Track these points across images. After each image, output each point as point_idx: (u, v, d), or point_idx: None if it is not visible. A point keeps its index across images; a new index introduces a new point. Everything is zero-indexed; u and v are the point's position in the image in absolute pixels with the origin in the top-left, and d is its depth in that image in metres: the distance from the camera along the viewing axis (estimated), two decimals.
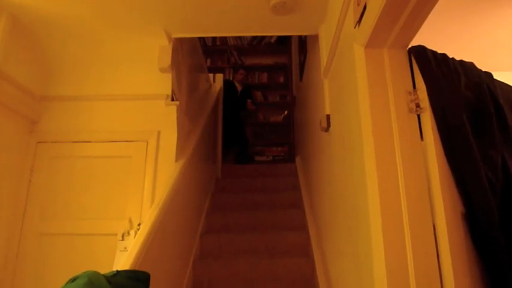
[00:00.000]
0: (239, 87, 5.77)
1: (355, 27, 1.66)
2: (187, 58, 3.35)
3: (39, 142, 2.83)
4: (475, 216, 1.41)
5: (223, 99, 5.51)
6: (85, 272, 1.21)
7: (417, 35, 1.53)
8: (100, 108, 2.90)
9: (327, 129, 2.40)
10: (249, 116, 6.27)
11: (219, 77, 5.49)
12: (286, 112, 6.22)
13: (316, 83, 2.91)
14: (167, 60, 2.71)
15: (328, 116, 2.34)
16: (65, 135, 2.85)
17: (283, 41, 6.30)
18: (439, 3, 1.33)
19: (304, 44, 3.77)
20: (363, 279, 1.63)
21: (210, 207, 3.93)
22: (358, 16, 1.58)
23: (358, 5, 1.59)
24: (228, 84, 5.67)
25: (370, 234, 1.46)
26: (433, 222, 1.39)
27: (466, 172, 1.43)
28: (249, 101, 5.86)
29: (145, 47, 2.81)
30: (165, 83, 2.86)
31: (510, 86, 1.88)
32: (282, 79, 6.35)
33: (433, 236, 1.37)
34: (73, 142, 2.83)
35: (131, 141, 2.82)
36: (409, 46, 1.57)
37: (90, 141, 2.83)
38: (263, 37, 6.36)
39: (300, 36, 4.30)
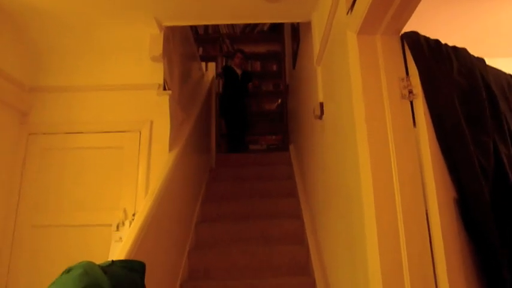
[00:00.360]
0: (239, 72, 5.51)
1: (347, 14, 1.65)
2: (179, 47, 3.32)
3: (30, 134, 2.81)
4: (467, 202, 1.42)
5: (225, 86, 5.51)
6: (80, 263, 1.21)
7: (409, 21, 1.52)
8: (92, 99, 2.88)
9: (320, 117, 2.40)
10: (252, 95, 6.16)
11: (212, 65, 5.46)
12: (279, 100, 6.20)
13: (309, 71, 2.90)
14: (158, 49, 2.69)
15: (321, 104, 2.34)
16: (57, 127, 2.83)
17: (276, 29, 6.26)
18: None
19: (297, 32, 3.74)
20: (357, 264, 1.65)
21: (205, 196, 3.94)
22: (351, 3, 1.57)
23: None
24: (227, 70, 5.53)
25: (364, 220, 1.47)
26: (425, 208, 1.40)
27: (458, 158, 1.44)
28: (250, 84, 5.67)
29: (136, 36, 2.79)
30: (156, 72, 2.84)
31: (502, 72, 1.89)
32: (275, 67, 6.32)
33: (426, 221, 1.39)
34: (65, 133, 2.81)
35: (124, 132, 2.80)
36: (402, 32, 1.57)
37: (82, 132, 2.81)
38: (256, 25, 6.31)
39: (292, 24, 4.27)
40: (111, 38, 2.86)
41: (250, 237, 3.32)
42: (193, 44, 4.17)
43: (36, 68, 2.92)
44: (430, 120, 1.46)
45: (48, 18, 2.64)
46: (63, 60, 2.96)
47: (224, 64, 6.31)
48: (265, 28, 6.33)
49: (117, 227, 2.52)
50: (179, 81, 3.23)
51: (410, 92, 1.49)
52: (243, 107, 5.59)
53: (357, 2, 1.50)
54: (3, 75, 2.57)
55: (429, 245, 1.36)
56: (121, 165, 2.72)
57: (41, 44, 2.87)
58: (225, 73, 5.52)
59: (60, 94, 2.89)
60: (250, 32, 6.36)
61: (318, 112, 2.37)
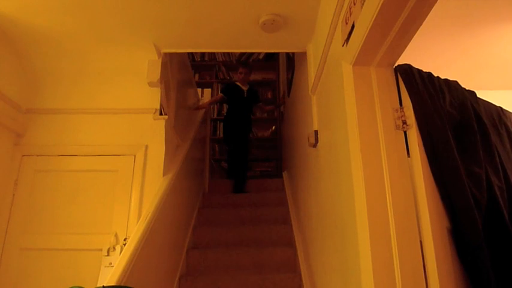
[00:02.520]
0: (244, 88, 4.72)
1: (343, 46, 1.69)
2: (176, 73, 3.36)
3: (24, 155, 2.79)
4: (460, 232, 1.43)
5: (228, 107, 4.82)
6: (71, 287, 1.18)
7: (403, 54, 1.57)
8: (87, 122, 2.88)
9: (314, 145, 2.42)
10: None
11: (208, 92, 5.53)
12: (273, 127, 6.24)
13: (304, 99, 2.94)
14: (156, 74, 2.72)
15: (316, 132, 2.36)
16: (51, 149, 2.81)
17: (271, 58, 6.37)
18: (424, 24, 1.37)
19: (291, 61, 3.82)
20: None
21: (197, 222, 3.89)
22: (347, 35, 1.62)
23: (347, 23, 1.63)
24: (230, 88, 4.74)
25: (358, 249, 1.46)
26: (420, 238, 1.40)
27: (452, 188, 1.46)
28: (260, 104, 5.01)
29: (134, 61, 2.82)
30: (153, 97, 2.87)
31: (493, 104, 1.94)
32: (269, 95, 6.39)
33: (420, 251, 1.38)
34: (59, 156, 2.80)
35: (118, 155, 2.80)
36: (396, 64, 1.61)
37: (76, 155, 2.80)
38: (251, 54, 6.42)
39: (287, 53, 4.36)
40: (109, 62, 2.89)
41: (242, 265, 3.27)
42: (190, 70, 4.23)
43: (33, 90, 2.93)
44: (423, 150, 1.48)
45: (47, 42, 2.67)
46: (59, 83, 2.98)
47: (219, 90, 6.36)
48: (261, 57, 6.44)
49: (108, 251, 2.47)
50: (175, 107, 3.25)
51: (404, 122, 1.52)
52: (247, 137, 4.83)
53: (352, 34, 1.54)
54: (1, 97, 2.57)
55: (423, 274, 1.35)
56: (114, 189, 2.70)
57: (38, 66, 2.89)
58: (228, 91, 4.70)
59: (55, 116, 2.90)
60: (246, 60, 6.45)
61: (312, 140, 2.38)
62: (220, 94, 4.78)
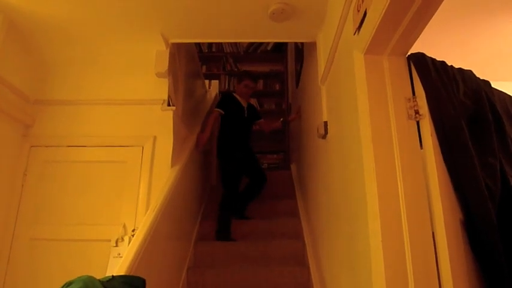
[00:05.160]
0: (244, 103, 3.92)
1: (354, 34, 1.67)
2: (184, 64, 3.36)
3: (32, 146, 2.80)
4: (473, 224, 1.41)
5: (224, 124, 3.84)
6: (80, 277, 1.19)
7: (415, 44, 1.54)
8: (95, 113, 2.89)
9: (324, 136, 2.40)
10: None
11: (215, 83, 5.51)
12: (281, 119, 6.22)
13: (313, 90, 2.92)
14: (164, 65, 2.71)
15: (325, 123, 2.34)
16: (60, 140, 2.83)
17: (279, 49, 6.33)
18: (437, 12, 1.35)
19: (300, 52, 3.79)
20: (361, 287, 1.62)
21: (205, 214, 3.90)
22: (358, 23, 1.59)
23: (358, 11, 1.60)
24: (228, 100, 3.88)
25: (369, 242, 1.45)
26: (432, 230, 1.39)
27: (465, 179, 1.44)
28: (261, 121, 4.18)
29: (142, 52, 2.82)
30: (161, 88, 2.86)
31: (508, 94, 1.90)
32: (277, 86, 6.36)
33: (433, 243, 1.37)
34: (67, 146, 2.81)
35: (127, 146, 2.80)
36: (408, 53, 1.59)
37: (85, 146, 2.81)
38: (259, 44, 6.38)
39: (296, 44, 4.33)
40: (117, 52, 2.89)
41: (250, 256, 3.27)
42: (197, 61, 4.22)
43: (42, 81, 2.94)
44: (436, 141, 1.46)
45: (56, 33, 2.67)
46: (68, 73, 2.98)
47: (227, 83, 6.34)
48: (269, 47, 6.40)
49: (116, 242, 2.49)
50: (183, 98, 3.25)
51: (417, 112, 1.50)
52: (253, 156, 4.01)
53: (364, 22, 1.52)
54: (8, 87, 2.58)
55: (436, 266, 1.34)
56: (123, 180, 2.71)
57: (47, 57, 2.90)
58: (225, 103, 3.83)
59: (64, 107, 2.91)
60: (253, 51, 6.43)
61: (322, 131, 2.37)
62: (216, 110, 3.78)
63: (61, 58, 2.92)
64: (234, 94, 3.95)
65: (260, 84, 6.36)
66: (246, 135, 3.93)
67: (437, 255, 1.36)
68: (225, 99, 3.92)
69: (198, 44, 6.14)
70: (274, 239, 3.48)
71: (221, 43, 6.41)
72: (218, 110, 3.77)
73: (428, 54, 1.61)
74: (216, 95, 5.32)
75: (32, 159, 2.77)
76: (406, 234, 1.36)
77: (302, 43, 3.61)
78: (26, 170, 2.75)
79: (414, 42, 1.50)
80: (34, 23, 2.57)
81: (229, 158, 3.70)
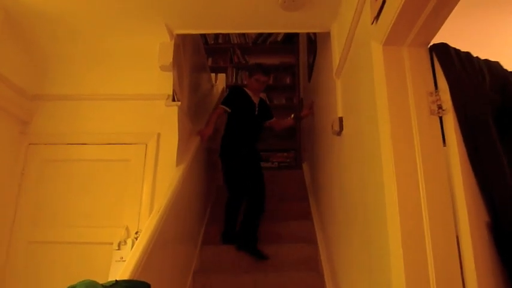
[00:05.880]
0: (255, 100, 3.78)
1: (372, 23, 1.66)
2: (190, 56, 3.36)
3: (30, 144, 2.83)
4: (501, 227, 1.40)
5: (230, 121, 3.70)
6: (83, 281, 1.21)
7: (438, 33, 1.53)
8: (97, 109, 2.91)
9: (339, 133, 2.40)
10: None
11: (222, 77, 5.52)
12: (292, 115, 6.21)
13: (327, 84, 2.91)
14: (168, 57, 2.72)
15: (340, 119, 2.34)
16: (59, 137, 2.85)
17: (291, 40, 6.32)
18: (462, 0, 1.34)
19: (313, 43, 3.77)
20: None
21: (211, 216, 3.92)
22: (376, 11, 1.58)
23: None
24: (238, 97, 3.73)
25: (388, 247, 1.44)
26: (456, 234, 1.38)
27: (492, 179, 1.43)
28: (273, 121, 4.01)
29: (145, 44, 2.83)
30: (165, 83, 2.87)
31: None
32: (288, 80, 6.35)
33: (457, 248, 1.36)
34: (67, 144, 2.84)
35: (129, 144, 2.82)
36: (431, 44, 1.58)
37: (85, 144, 2.84)
38: (269, 35, 6.38)
39: (308, 35, 4.31)
40: (119, 45, 2.91)
41: (259, 261, 3.28)
42: (203, 54, 4.23)
43: (40, 75, 2.97)
44: (460, 138, 1.45)
45: (54, 25, 2.69)
46: (68, 67, 3.01)
47: (235, 77, 6.34)
48: (279, 39, 6.39)
49: (119, 245, 2.51)
50: (189, 93, 3.26)
51: (440, 107, 1.49)
52: (258, 160, 3.69)
53: (383, 10, 1.51)
54: (4, 81, 2.60)
55: (460, 273, 1.33)
56: (125, 180, 2.73)
57: (46, 50, 2.93)
58: (233, 98, 3.71)
59: (63, 103, 2.93)
60: (262, 42, 6.43)
61: (336, 128, 2.36)
62: (221, 107, 3.69)
63: (61, 52, 2.94)
64: (245, 88, 3.80)
65: (269, 78, 6.36)
66: (254, 135, 3.75)
67: (462, 260, 1.35)
68: (234, 93, 3.79)
69: (203, 35, 6.15)
70: (285, 243, 3.48)
71: (228, 34, 6.42)
72: (223, 107, 3.66)
73: (452, 45, 1.59)
74: (223, 89, 5.33)
75: (30, 158, 2.80)
76: (428, 239, 1.35)
77: (315, 34, 3.60)
78: (24, 169, 2.78)
79: (437, 31, 1.49)
80: (32, 16, 2.59)
81: (233, 155, 3.57)
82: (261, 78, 3.72)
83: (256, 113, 3.75)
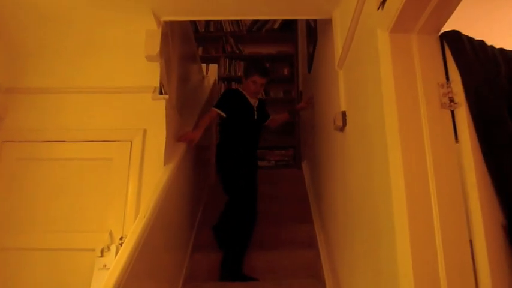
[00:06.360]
0: (253, 102, 3.68)
1: (378, 9, 1.65)
2: (178, 46, 3.35)
3: (4, 141, 2.81)
4: None
5: (225, 127, 3.65)
6: None
7: (450, 19, 1.52)
8: (77, 103, 2.89)
9: (342, 129, 2.40)
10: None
11: (213, 67, 5.52)
12: (288, 110, 6.21)
13: (328, 75, 2.91)
14: (155, 47, 2.70)
15: (343, 113, 2.34)
16: (35, 134, 2.83)
17: (289, 27, 6.31)
18: None
19: (313, 31, 3.77)
20: None
21: (203, 219, 3.91)
22: None
23: None
24: (234, 101, 3.62)
25: (396, 251, 1.44)
26: (470, 238, 1.38)
27: (508, 178, 1.43)
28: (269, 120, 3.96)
29: (130, 32, 2.81)
30: (152, 74, 2.86)
31: None
32: (286, 71, 6.36)
33: (470, 253, 1.36)
34: (44, 142, 2.82)
35: (113, 141, 2.81)
36: (441, 31, 1.57)
37: (64, 141, 2.82)
38: (265, 22, 6.37)
39: (308, 22, 4.31)
40: (101, 33, 2.88)
41: (255, 269, 3.28)
42: (193, 42, 4.22)
43: (15, 67, 2.94)
44: (474, 133, 1.45)
45: (30, 13, 2.67)
46: (44, 58, 2.98)
47: (227, 68, 6.33)
48: (276, 26, 6.39)
49: (101, 252, 2.50)
50: (177, 85, 3.25)
51: (452, 100, 1.49)
52: (255, 180, 3.58)
53: None
54: None
55: (474, 280, 1.33)
56: (108, 180, 2.71)
57: (19, 39, 2.89)
58: (228, 101, 3.61)
59: (40, 97, 2.91)
60: (258, 30, 6.43)
61: (339, 123, 2.36)
62: (214, 110, 3.56)
63: (35, 39, 2.91)
64: (241, 90, 3.70)
65: (268, 79, 6.34)
66: (254, 144, 3.67)
67: (476, 266, 1.35)
68: (229, 96, 3.68)
69: (193, 23, 6.14)
70: (283, 248, 3.48)
71: (220, 21, 6.41)
72: (217, 110, 3.53)
73: (465, 33, 1.59)
74: (215, 81, 5.32)
75: (3, 157, 2.79)
76: (440, 243, 1.35)
77: (315, 20, 3.59)
78: None
79: (449, 17, 1.49)
80: (4, 4, 2.56)
81: (231, 177, 3.46)
82: (259, 80, 3.56)
83: (256, 117, 3.65)
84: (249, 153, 3.58)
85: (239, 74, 6.20)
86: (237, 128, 3.57)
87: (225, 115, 3.53)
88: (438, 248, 1.35)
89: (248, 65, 4.06)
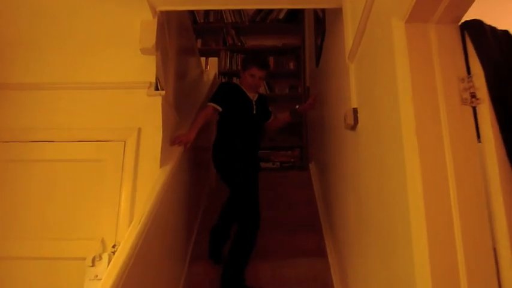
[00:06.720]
0: (252, 96, 3.65)
1: None
2: (176, 38, 3.35)
3: None
4: None
5: (222, 124, 3.59)
6: None
7: (471, 7, 1.52)
8: (65, 100, 2.89)
9: (353, 127, 2.39)
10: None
11: (213, 61, 5.53)
12: (297, 107, 6.20)
13: (338, 70, 2.91)
14: (151, 38, 2.70)
15: (355, 110, 2.34)
16: (19, 133, 2.83)
17: (295, 18, 6.32)
18: None
19: (321, 21, 3.77)
20: None
21: (202, 225, 3.91)
22: None
23: None
24: (232, 94, 3.59)
25: (413, 260, 1.44)
26: (493, 246, 1.37)
27: None
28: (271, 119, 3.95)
29: (123, 23, 2.82)
30: (147, 68, 2.85)
31: None
32: (292, 65, 6.36)
33: (494, 263, 1.35)
34: (29, 142, 2.82)
35: (105, 141, 2.80)
36: (462, 21, 1.56)
37: (51, 141, 2.82)
38: (269, 12, 6.37)
39: (316, 11, 4.30)
40: (92, 24, 2.89)
41: (258, 280, 3.28)
42: (192, 34, 4.22)
43: (0, 62, 2.94)
44: (498, 132, 1.44)
45: (18, 4, 2.67)
46: (30, 51, 2.98)
47: (228, 61, 6.33)
48: (281, 16, 6.39)
49: (93, 261, 2.50)
50: (174, 80, 3.25)
51: (473, 95, 1.48)
52: (257, 176, 3.51)
53: None
54: None
55: None
56: (100, 183, 2.71)
57: (8, 34, 2.90)
58: (224, 95, 3.57)
59: (24, 93, 2.91)
60: (261, 20, 6.43)
61: (350, 121, 2.36)
62: (210, 105, 3.50)
63: (20, 31, 2.92)
64: (239, 84, 3.69)
65: (270, 63, 6.34)
66: (254, 142, 3.61)
67: (500, 276, 1.34)
68: (225, 88, 3.65)
69: (192, 13, 6.14)
70: (289, 257, 3.48)
71: (221, 11, 6.41)
72: (213, 105, 3.48)
73: (488, 22, 1.58)
74: (215, 75, 5.33)
75: None
76: (461, 252, 1.34)
77: (323, 10, 3.58)
78: None
79: (470, 5, 1.48)
80: None
81: (228, 171, 3.42)
82: (257, 73, 3.51)
83: (254, 112, 3.61)
84: (248, 150, 3.52)
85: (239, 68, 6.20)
86: (234, 122, 3.53)
87: (220, 109, 3.49)
88: (459, 258, 1.34)
89: (246, 56, 4.01)
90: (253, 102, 3.62)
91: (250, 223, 3.23)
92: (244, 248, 3.22)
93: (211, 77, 5.14)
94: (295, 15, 6.29)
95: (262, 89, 6.02)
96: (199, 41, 6.34)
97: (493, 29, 1.60)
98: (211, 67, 5.38)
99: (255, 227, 3.25)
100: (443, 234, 1.37)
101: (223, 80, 6.25)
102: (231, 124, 3.54)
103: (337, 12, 2.82)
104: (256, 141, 3.64)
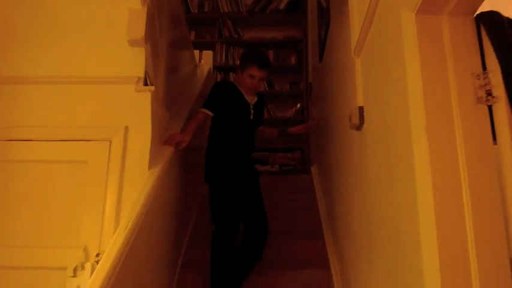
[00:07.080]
0: (250, 99, 3.55)
1: None
2: (167, 29, 3.35)
3: None
4: None
5: (216, 126, 3.54)
6: None
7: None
8: (45, 95, 2.88)
9: (359, 127, 2.40)
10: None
11: (208, 54, 5.53)
12: (299, 105, 6.22)
13: (343, 64, 2.91)
14: (140, 29, 2.69)
15: (361, 109, 2.34)
16: None
17: (297, 8, 6.32)
18: None
19: (325, 12, 3.77)
20: None
21: (195, 232, 3.91)
22: None
23: None
24: (228, 97, 3.49)
25: (422, 274, 1.44)
26: (510, 257, 1.37)
27: None
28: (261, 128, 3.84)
29: (109, 12, 2.82)
30: (135, 62, 2.85)
31: None
32: (293, 60, 6.37)
33: (510, 275, 1.35)
34: (6, 141, 2.80)
35: (88, 141, 2.79)
36: (477, 12, 1.56)
37: (30, 140, 2.80)
38: (268, 2, 6.38)
39: (319, 1, 4.31)
40: (75, 13, 2.89)
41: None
42: (184, 26, 4.22)
43: None
44: None
45: None
46: (7, 42, 2.97)
47: (224, 55, 6.33)
48: (282, 6, 6.40)
49: (74, 271, 2.49)
50: (165, 75, 3.25)
51: (489, 93, 1.48)
52: (256, 178, 3.57)
53: None
54: None
55: None
56: (83, 187, 2.69)
57: None
58: (219, 98, 3.49)
59: (2, 88, 2.90)
60: (260, 11, 6.44)
61: (355, 120, 2.36)
62: (202, 112, 3.44)
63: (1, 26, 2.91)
64: (236, 83, 3.60)
65: (269, 56, 6.35)
66: (249, 147, 3.59)
67: None
68: (220, 89, 3.54)
69: (185, 2, 6.15)
70: (289, 268, 3.48)
71: (216, 0, 6.41)
72: (205, 111, 3.42)
73: (503, 11, 1.58)
74: (210, 70, 5.33)
75: None
76: (474, 263, 1.34)
77: (327, 0, 3.59)
78: None
79: None
80: None
81: (225, 173, 3.34)
82: (257, 74, 3.40)
83: (252, 117, 3.54)
84: (245, 152, 3.50)
85: (238, 62, 6.19)
86: (229, 123, 3.47)
87: (212, 114, 3.43)
88: (472, 270, 1.34)
89: (244, 54, 3.88)
90: (251, 107, 3.53)
91: (258, 231, 3.26)
92: (248, 258, 3.23)
93: (206, 72, 5.14)
94: (297, 6, 6.30)
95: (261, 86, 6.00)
96: (192, 33, 6.34)
97: (510, 21, 1.60)
98: (205, 61, 5.38)
99: (261, 239, 3.25)
100: (455, 244, 1.37)
101: (218, 76, 6.25)
102: (226, 124, 3.49)
103: (343, 2, 2.82)
104: (252, 147, 3.62)
